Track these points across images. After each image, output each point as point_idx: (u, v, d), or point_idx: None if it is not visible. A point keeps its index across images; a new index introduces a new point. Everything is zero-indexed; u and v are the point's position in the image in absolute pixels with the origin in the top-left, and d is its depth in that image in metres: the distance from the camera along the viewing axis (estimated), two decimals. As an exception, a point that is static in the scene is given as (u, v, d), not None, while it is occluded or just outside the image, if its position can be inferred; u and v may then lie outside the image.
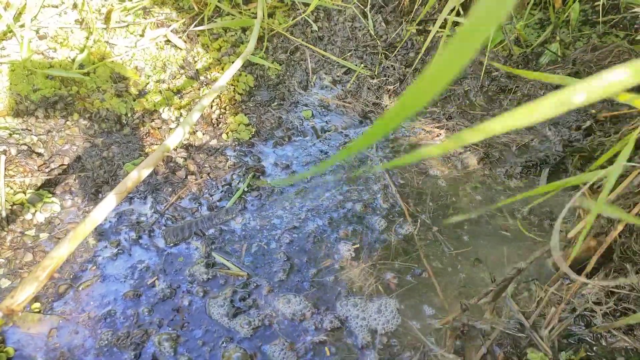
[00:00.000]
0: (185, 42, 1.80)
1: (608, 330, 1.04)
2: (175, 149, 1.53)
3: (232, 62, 1.67)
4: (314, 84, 1.86)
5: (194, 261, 1.27)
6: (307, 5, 2.01)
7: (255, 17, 1.84)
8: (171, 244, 1.30)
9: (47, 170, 1.41)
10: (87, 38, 1.70)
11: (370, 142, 0.34)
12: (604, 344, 1.07)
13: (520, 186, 1.51)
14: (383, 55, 1.94)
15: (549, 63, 1.86)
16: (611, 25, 1.93)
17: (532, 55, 1.91)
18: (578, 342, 1.08)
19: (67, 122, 1.53)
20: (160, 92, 1.66)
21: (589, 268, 1.01)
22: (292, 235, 1.35)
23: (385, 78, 1.86)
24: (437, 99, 1.84)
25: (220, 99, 1.69)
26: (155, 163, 1.22)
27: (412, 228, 1.37)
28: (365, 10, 2.03)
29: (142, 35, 1.78)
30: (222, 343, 1.11)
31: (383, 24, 2.02)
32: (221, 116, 1.66)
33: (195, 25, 1.85)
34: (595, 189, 1.39)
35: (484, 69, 1.86)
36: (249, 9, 1.96)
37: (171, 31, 1.80)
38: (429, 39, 1.74)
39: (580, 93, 0.28)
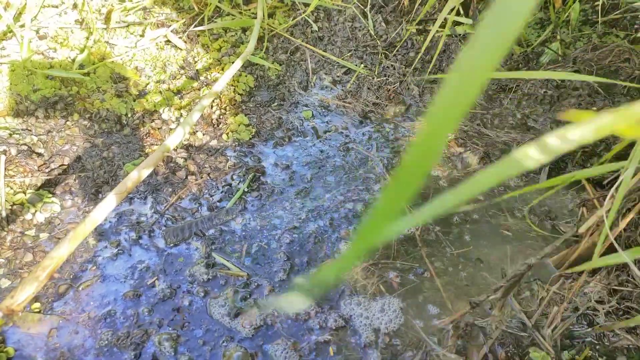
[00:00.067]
0: (185, 42, 1.80)
1: (611, 330, 1.04)
2: (175, 150, 1.53)
3: (232, 63, 1.67)
4: (314, 84, 1.85)
5: (194, 261, 1.26)
6: (307, 5, 2.02)
7: (255, 18, 1.84)
8: (171, 244, 1.30)
9: (47, 170, 1.41)
10: (87, 38, 1.70)
11: (347, 267, 0.31)
12: (606, 343, 1.07)
13: (520, 185, 1.51)
14: (383, 55, 1.94)
15: (550, 62, 1.86)
16: (611, 25, 1.93)
17: (532, 55, 1.91)
18: (581, 342, 1.08)
19: (67, 123, 1.53)
20: (160, 92, 1.66)
21: (589, 267, 1.01)
22: (293, 235, 1.34)
23: (385, 78, 1.86)
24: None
25: (221, 100, 1.69)
26: (155, 163, 1.21)
27: (413, 228, 1.37)
28: (365, 10, 2.03)
29: (142, 36, 1.78)
30: (223, 342, 1.11)
31: (383, 23, 2.02)
32: (221, 116, 1.66)
33: (196, 26, 1.85)
34: (597, 190, 1.38)
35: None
36: (249, 9, 1.96)
37: (171, 31, 1.80)
38: (428, 39, 1.74)
39: (536, 153, 0.26)
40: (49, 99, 1.52)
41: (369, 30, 1.99)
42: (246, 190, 1.45)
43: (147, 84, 1.68)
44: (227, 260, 1.27)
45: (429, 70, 1.89)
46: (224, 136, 1.61)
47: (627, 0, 1.83)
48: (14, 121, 1.47)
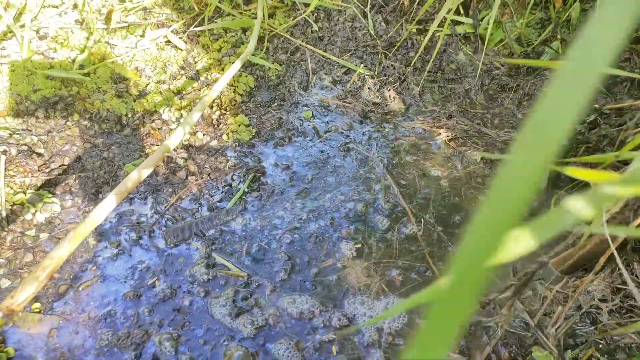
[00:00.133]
0: (185, 42, 1.80)
1: (614, 329, 1.03)
2: (175, 150, 1.52)
3: (233, 63, 1.67)
4: (314, 84, 1.85)
5: (194, 262, 1.26)
6: (307, 5, 2.01)
7: (256, 18, 1.84)
8: (171, 245, 1.29)
9: (47, 170, 1.40)
10: (88, 38, 1.69)
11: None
12: (609, 341, 1.06)
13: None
14: (383, 55, 1.93)
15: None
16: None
17: (533, 54, 1.91)
18: (585, 342, 1.07)
19: (68, 123, 1.52)
20: (160, 92, 1.66)
21: (598, 266, 1.00)
22: (293, 235, 1.34)
23: (385, 77, 1.86)
24: (437, 98, 1.84)
25: (221, 100, 1.69)
26: (155, 163, 1.21)
27: (415, 228, 1.36)
28: (365, 10, 2.03)
29: (142, 36, 1.78)
30: (224, 341, 1.10)
31: (383, 23, 2.02)
32: (221, 117, 1.66)
33: (196, 26, 1.84)
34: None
35: (480, 66, 1.86)
36: (249, 10, 1.96)
37: (171, 32, 1.80)
38: (427, 38, 1.74)
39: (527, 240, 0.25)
40: (49, 99, 1.52)
41: (369, 30, 1.99)
42: (246, 190, 1.44)
43: (148, 84, 1.67)
44: (227, 261, 1.26)
45: (427, 69, 1.89)
46: (224, 136, 1.60)
47: None
48: (14, 121, 1.47)
